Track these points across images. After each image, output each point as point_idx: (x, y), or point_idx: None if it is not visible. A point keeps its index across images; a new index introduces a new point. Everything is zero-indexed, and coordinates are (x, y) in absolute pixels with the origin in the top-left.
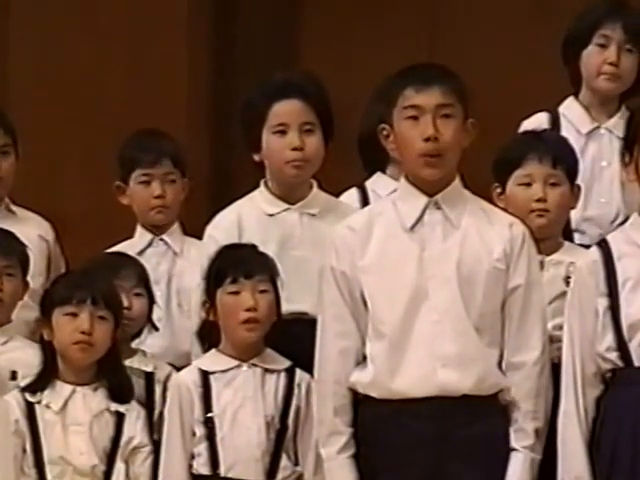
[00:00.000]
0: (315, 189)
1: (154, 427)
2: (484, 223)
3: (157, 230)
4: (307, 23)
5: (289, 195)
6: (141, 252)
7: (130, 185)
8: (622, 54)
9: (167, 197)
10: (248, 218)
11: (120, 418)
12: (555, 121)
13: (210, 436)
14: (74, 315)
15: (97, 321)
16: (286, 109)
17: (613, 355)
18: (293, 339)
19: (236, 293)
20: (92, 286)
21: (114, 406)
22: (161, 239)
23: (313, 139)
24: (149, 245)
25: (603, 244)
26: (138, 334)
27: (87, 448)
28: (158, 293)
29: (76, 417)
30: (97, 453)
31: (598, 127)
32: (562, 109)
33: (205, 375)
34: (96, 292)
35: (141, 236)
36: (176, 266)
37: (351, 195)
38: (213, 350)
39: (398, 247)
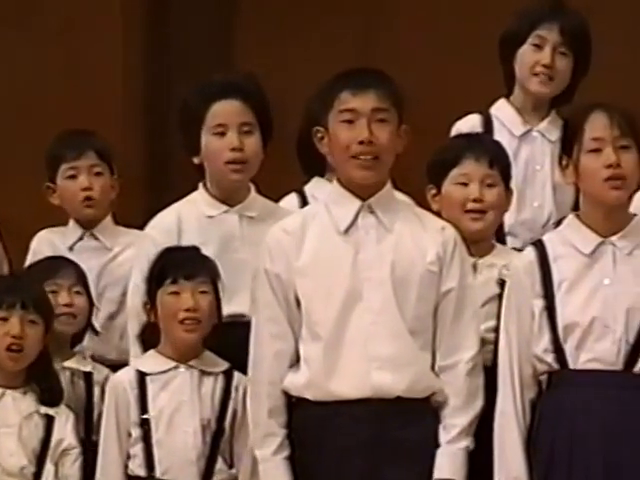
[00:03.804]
0: (253, 192)
1: (93, 428)
2: (417, 227)
3: (88, 225)
4: (243, 24)
5: (228, 197)
6: (71, 246)
7: (58, 183)
8: (556, 56)
9: (94, 189)
10: (188, 219)
11: (50, 420)
12: (488, 122)
13: (146, 438)
14: (4, 320)
15: (28, 325)
16: (225, 109)
17: (549, 357)
18: (231, 342)
19: (176, 293)
20: (22, 290)
21: (44, 409)
22: (92, 234)
23: (252, 140)
24: (80, 239)
25: (539, 245)
26: (80, 339)
27: (16, 449)
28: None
29: (6, 419)
30: (26, 455)
31: (530, 130)
32: (494, 111)
33: (141, 376)
34: (26, 296)
35: (73, 230)
36: (107, 259)
37: (291, 200)
38: (152, 351)
39: (332, 250)
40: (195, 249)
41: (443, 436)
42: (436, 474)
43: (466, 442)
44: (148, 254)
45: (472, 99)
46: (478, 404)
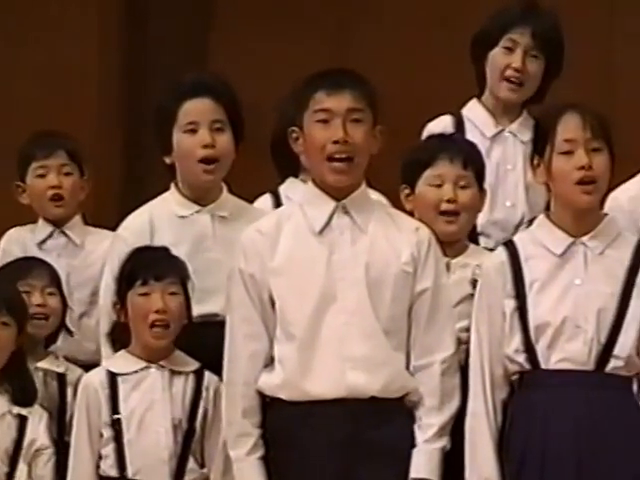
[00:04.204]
0: (225, 192)
1: (66, 429)
2: (391, 228)
3: (57, 223)
4: (219, 25)
5: (200, 197)
6: (41, 243)
7: (28, 182)
8: (527, 60)
9: (63, 187)
10: (160, 219)
11: (23, 421)
12: (459, 124)
13: (117, 438)
14: None
15: None
16: (196, 107)
17: (521, 357)
18: (205, 341)
19: (146, 295)
20: None
21: (16, 409)
22: (62, 231)
23: (224, 137)
24: (49, 237)
25: (510, 245)
26: (54, 339)
27: None
28: None
29: None
30: None
31: (502, 130)
32: (465, 112)
33: (113, 376)
34: None
35: (42, 227)
36: (77, 259)
37: (265, 201)
38: (122, 351)
39: (307, 250)
40: (165, 249)
41: (419, 436)
42: (412, 474)
43: (442, 442)
44: (120, 254)
45: (445, 99)
46: (454, 404)
